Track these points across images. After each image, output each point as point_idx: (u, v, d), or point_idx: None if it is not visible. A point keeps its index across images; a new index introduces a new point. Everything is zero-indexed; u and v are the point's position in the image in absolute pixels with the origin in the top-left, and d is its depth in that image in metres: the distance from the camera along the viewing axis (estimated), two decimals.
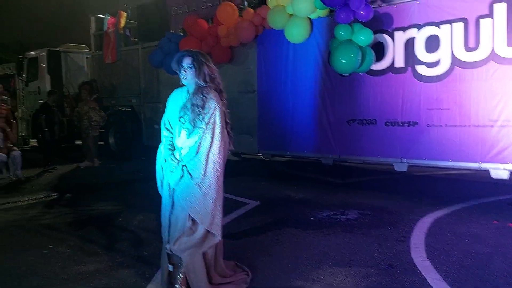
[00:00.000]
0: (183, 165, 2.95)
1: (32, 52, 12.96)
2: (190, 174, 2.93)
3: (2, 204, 6.10)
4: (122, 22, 10.29)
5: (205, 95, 2.98)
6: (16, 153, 7.75)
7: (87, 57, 12.10)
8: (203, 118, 2.94)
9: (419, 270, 3.56)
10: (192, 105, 2.97)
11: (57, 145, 9.74)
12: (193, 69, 3.00)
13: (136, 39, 10.54)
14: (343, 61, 5.82)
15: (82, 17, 12.34)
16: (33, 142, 12.31)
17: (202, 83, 3.01)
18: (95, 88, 10.16)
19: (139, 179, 7.72)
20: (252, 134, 7.68)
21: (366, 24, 5.88)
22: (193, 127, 2.95)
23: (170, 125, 3.12)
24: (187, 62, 3.01)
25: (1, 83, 13.02)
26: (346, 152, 6.70)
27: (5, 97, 10.72)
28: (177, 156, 3.02)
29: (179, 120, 3.02)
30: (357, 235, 4.51)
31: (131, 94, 10.19)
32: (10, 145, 7.93)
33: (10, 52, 24.65)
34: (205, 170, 2.93)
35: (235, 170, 7.57)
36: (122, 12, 10.33)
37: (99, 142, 9.99)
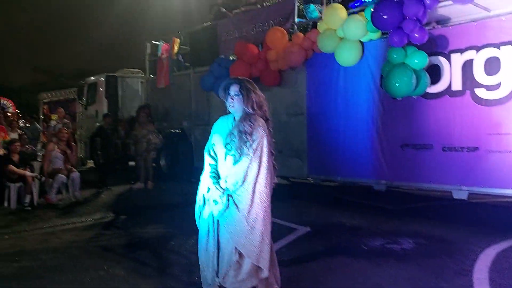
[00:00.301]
0: (228, 195, 2.88)
1: (92, 78, 13.68)
2: (236, 205, 2.86)
3: (62, 225, 6.36)
4: (175, 48, 10.66)
5: (253, 122, 2.93)
6: (75, 174, 8.12)
7: (141, 82, 12.60)
8: (250, 145, 2.87)
9: None
10: (240, 131, 2.91)
11: (111, 166, 10.08)
12: (241, 96, 2.96)
13: (188, 64, 10.87)
14: (397, 85, 5.69)
15: (139, 43, 12.89)
16: (90, 163, 12.85)
17: (250, 110, 2.96)
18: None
19: (190, 201, 7.78)
20: (301, 157, 7.62)
21: (420, 47, 5.74)
22: (240, 154, 2.88)
23: (215, 153, 3.06)
24: (234, 89, 2.98)
25: (63, 107, 13.88)
26: (400, 178, 6.48)
27: (66, 120, 11.38)
28: (223, 185, 2.94)
29: (225, 147, 2.96)
30: (412, 266, 4.29)
31: (182, 117, 10.47)
32: (70, 166, 8.33)
33: (73, 77, 26.23)
34: (252, 200, 2.85)
35: (285, 194, 7.52)
36: (176, 38, 10.71)
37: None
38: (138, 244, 5.29)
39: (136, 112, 10.32)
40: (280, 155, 7.77)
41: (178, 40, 10.68)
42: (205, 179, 3.05)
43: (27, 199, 7.49)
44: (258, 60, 7.93)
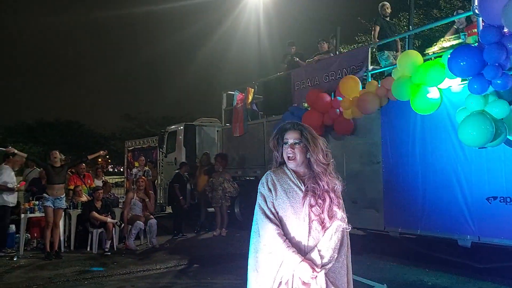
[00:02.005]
0: (325, 274, 2.27)
1: (172, 126, 14.45)
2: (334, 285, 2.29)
3: (138, 271, 6.59)
4: (250, 98, 10.95)
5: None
6: (153, 221, 8.46)
7: (217, 130, 13.05)
8: (338, 204, 2.40)
9: None
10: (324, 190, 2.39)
11: (187, 213, 10.37)
12: (302, 144, 2.42)
13: (262, 113, 11.11)
14: (472, 133, 5.31)
15: (216, 93, 13.47)
16: (169, 209, 13.34)
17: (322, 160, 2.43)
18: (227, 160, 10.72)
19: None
20: (377, 209, 7.28)
21: (505, 93, 5.35)
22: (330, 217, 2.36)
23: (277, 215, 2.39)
24: (293, 136, 2.44)
25: (146, 155, 14.71)
26: (487, 234, 5.90)
27: (147, 168, 12.02)
28: (317, 260, 2.28)
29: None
30: None
31: (256, 165, 10.59)
32: (148, 213, 8.71)
33: (156, 125, 27.95)
34: (347, 278, 2.36)
35: (360, 247, 7.17)
36: (250, 88, 11.05)
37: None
38: None
39: (214, 160, 10.65)
40: (354, 205, 7.52)
41: (252, 90, 10.99)
42: (279, 253, 2.31)
43: (108, 244, 7.89)
44: (331, 108, 7.88)
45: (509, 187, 5.63)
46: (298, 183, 2.41)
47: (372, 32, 9.20)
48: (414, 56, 6.60)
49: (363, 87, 7.53)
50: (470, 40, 6.44)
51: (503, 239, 5.78)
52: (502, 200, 5.70)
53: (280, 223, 2.36)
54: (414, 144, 6.82)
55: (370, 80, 7.75)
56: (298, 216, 2.34)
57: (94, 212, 8.08)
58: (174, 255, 7.67)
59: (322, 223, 2.34)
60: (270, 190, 2.40)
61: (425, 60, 6.50)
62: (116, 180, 24.11)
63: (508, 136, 5.40)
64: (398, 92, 6.69)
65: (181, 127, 13.68)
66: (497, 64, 5.06)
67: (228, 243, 8.92)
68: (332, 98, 8.02)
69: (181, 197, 10.03)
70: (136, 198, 8.62)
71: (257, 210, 2.42)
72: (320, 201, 2.36)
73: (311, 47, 11.17)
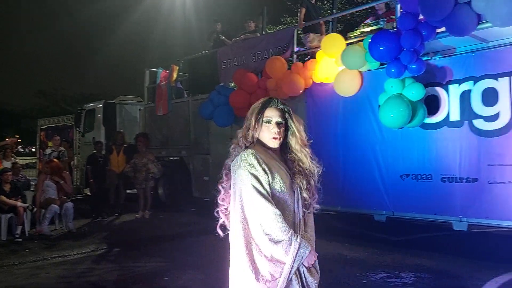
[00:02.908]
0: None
1: (90, 104, 13.71)
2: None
3: (53, 257, 6.20)
4: (174, 75, 10.69)
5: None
6: (69, 204, 7.99)
7: (140, 109, 12.58)
8: (315, 187, 2.39)
9: None
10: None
11: (105, 195, 9.94)
12: (284, 123, 2.30)
13: (187, 91, 10.87)
14: (391, 115, 5.64)
15: (140, 71, 12.90)
16: (87, 191, 12.75)
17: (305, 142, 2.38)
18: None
19: (188, 232, 7.70)
20: None
21: (419, 77, 5.71)
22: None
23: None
24: (277, 114, 2.28)
25: (61, 134, 13.82)
26: (401, 209, 6.34)
27: (62, 148, 11.28)
28: (312, 243, 2.27)
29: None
30: None
31: (181, 145, 10.39)
32: (64, 196, 8.21)
33: (74, 103, 26.35)
34: None
35: None
36: (175, 66, 10.76)
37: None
38: (130, 280, 5.13)
39: (134, 140, 10.26)
40: None
41: (177, 68, 10.72)
42: (286, 241, 2.07)
43: (18, 230, 7.35)
44: (258, 89, 7.91)
45: (420, 165, 6.07)
46: (284, 165, 2.27)
47: (298, 14, 9.31)
48: (337, 39, 6.80)
49: (289, 68, 7.63)
50: (388, 26, 6.75)
51: (414, 213, 6.26)
52: (414, 177, 6.15)
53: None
54: (336, 125, 7.08)
55: (295, 61, 7.86)
56: (291, 200, 2.22)
57: (2, 196, 7.45)
58: (93, 240, 7.33)
59: (308, 206, 2.30)
60: (265, 171, 2.13)
61: (347, 44, 6.71)
62: (28, 161, 22.50)
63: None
64: (322, 74, 6.87)
65: (100, 105, 13.06)
66: (412, 50, 5.36)
67: (152, 225, 8.71)
68: (259, 78, 8.05)
69: (91, 180, 9.65)
70: (50, 180, 8.08)
71: (248, 194, 2.10)
72: (307, 185, 2.29)
73: (239, 24, 11.06)
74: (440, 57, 5.97)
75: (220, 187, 2.35)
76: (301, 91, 7.35)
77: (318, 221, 2.47)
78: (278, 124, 2.25)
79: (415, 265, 5.40)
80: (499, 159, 5.41)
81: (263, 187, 2.10)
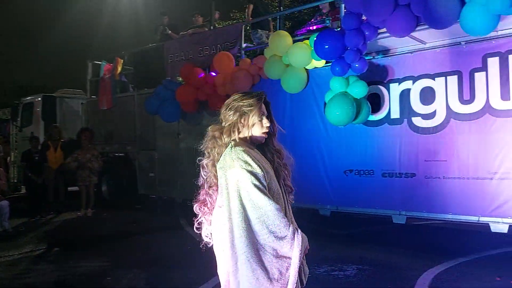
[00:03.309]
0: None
1: (28, 98, 13.02)
2: None
3: None
4: (119, 69, 10.36)
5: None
6: (4, 203, 7.56)
7: (82, 103, 12.10)
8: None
9: None
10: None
11: (43, 192, 9.49)
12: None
13: (132, 85, 10.57)
14: (337, 113, 5.79)
15: (82, 63, 12.38)
16: (24, 189, 12.11)
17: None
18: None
19: (132, 231, 7.51)
20: None
21: (362, 76, 5.89)
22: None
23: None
24: (263, 107, 2.24)
25: None
26: (344, 203, 6.54)
27: None
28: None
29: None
30: None
31: (126, 141, 10.10)
32: None
33: (11, 95, 24.71)
34: None
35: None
36: (119, 58, 10.43)
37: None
38: (70, 281, 4.94)
39: (77, 135, 9.85)
40: None
41: (121, 61, 10.40)
42: (290, 235, 2.02)
43: None
44: (205, 84, 7.84)
45: (362, 161, 6.28)
46: (265, 158, 2.22)
47: (246, 10, 9.30)
48: (285, 37, 6.86)
49: (237, 64, 7.62)
50: (334, 25, 6.91)
51: (357, 208, 6.47)
52: (356, 173, 6.35)
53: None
54: (283, 121, 7.15)
55: (243, 57, 7.87)
56: (281, 194, 2.18)
57: None
58: (30, 239, 7.00)
59: (289, 200, 2.28)
60: (260, 167, 2.05)
61: (294, 42, 6.80)
62: None
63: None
64: (270, 71, 6.93)
65: (39, 99, 12.45)
66: (356, 49, 5.52)
67: (95, 224, 8.42)
68: (207, 74, 7.98)
69: (30, 174, 9.32)
70: None
71: (249, 193, 2.01)
72: (287, 178, 2.30)
73: (186, 19, 10.86)
74: (381, 57, 6.20)
75: (202, 192, 2.26)
76: (248, 87, 7.37)
77: None
78: (268, 118, 2.23)
79: (357, 258, 5.57)
80: (434, 155, 5.70)
81: (262, 184, 2.03)
